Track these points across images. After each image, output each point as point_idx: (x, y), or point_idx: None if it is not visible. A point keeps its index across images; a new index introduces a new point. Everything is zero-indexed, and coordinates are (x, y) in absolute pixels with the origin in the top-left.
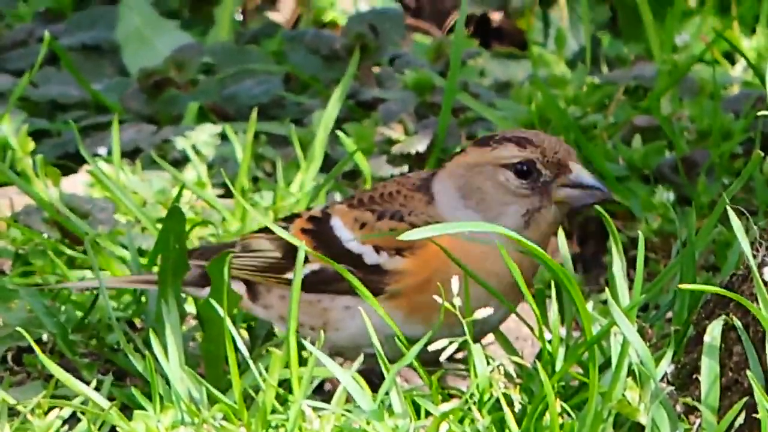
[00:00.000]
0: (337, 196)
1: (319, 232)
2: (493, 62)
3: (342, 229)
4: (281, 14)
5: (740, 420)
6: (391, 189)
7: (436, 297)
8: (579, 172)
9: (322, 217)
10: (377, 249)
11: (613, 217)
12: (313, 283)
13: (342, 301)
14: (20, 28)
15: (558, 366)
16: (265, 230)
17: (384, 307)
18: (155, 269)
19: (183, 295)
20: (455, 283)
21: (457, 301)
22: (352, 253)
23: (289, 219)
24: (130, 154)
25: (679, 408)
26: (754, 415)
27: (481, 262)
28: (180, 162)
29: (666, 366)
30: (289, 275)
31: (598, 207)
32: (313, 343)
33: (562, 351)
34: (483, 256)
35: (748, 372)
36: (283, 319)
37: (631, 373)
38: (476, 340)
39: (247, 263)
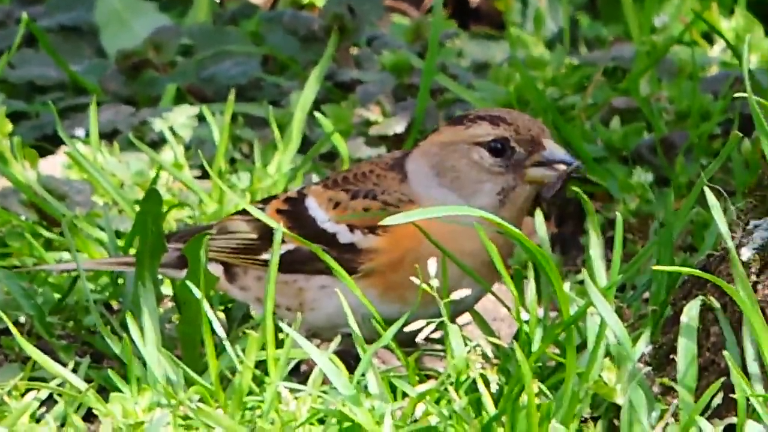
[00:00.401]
0: (315, 178)
1: (295, 212)
2: (471, 43)
3: (317, 209)
4: None
5: (717, 400)
6: (365, 169)
7: (413, 278)
8: (552, 148)
9: (297, 198)
10: (351, 228)
11: (591, 198)
12: (289, 263)
13: (317, 280)
14: None
15: (535, 346)
16: (243, 212)
17: (359, 286)
18: (132, 251)
19: (160, 277)
20: (431, 263)
21: (434, 282)
22: (326, 233)
23: (267, 200)
24: (108, 135)
25: (656, 389)
26: (731, 395)
27: (456, 241)
28: (158, 143)
29: (643, 346)
30: (264, 256)
31: (575, 188)
32: (289, 325)
33: (539, 331)
34: (457, 235)
35: (724, 352)
36: (260, 300)
37: (608, 353)
38: (452, 319)
39: (223, 245)
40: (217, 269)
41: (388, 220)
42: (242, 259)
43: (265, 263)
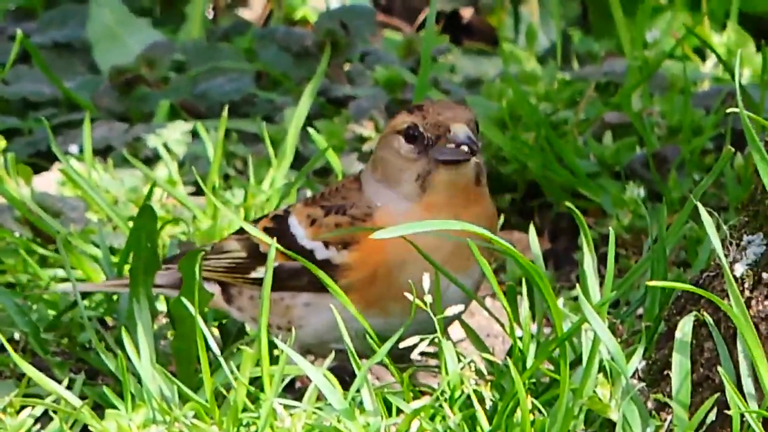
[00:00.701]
0: (309, 193)
1: (279, 230)
2: (463, 59)
3: (297, 226)
4: (252, 12)
5: (712, 416)
6: (338, 184)
7: (407, 294)
8: (456, 131)
9: (282, 216)
10: (326, 244)
11: (585, 214)
12: (275, 281)
13: (302, 298)
14: None
15: (529, 363)
16: (238, 232)
17: (339, 302)
18: (128, 269)
19: (155, 294)
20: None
21: (425, 294)
22: (305, 249)
23: (258, 220)
24: (102, 152)
25: (650, 404)
26: (725, 411)
27: (416, 242)
28: (151, 160)
29: (637, 362)
30: (253, 275)
31: (568, 204)
32: (284, 341)
33: (533, 348)
34: (416, 237)
35: (719, 368)
36: (255, 320)
37: (602, 369)
38: (443, 329)
39: (218, 264)
40: (214, 289)
41: (379, 234)
42: (234, 278)
43: (255, 281)
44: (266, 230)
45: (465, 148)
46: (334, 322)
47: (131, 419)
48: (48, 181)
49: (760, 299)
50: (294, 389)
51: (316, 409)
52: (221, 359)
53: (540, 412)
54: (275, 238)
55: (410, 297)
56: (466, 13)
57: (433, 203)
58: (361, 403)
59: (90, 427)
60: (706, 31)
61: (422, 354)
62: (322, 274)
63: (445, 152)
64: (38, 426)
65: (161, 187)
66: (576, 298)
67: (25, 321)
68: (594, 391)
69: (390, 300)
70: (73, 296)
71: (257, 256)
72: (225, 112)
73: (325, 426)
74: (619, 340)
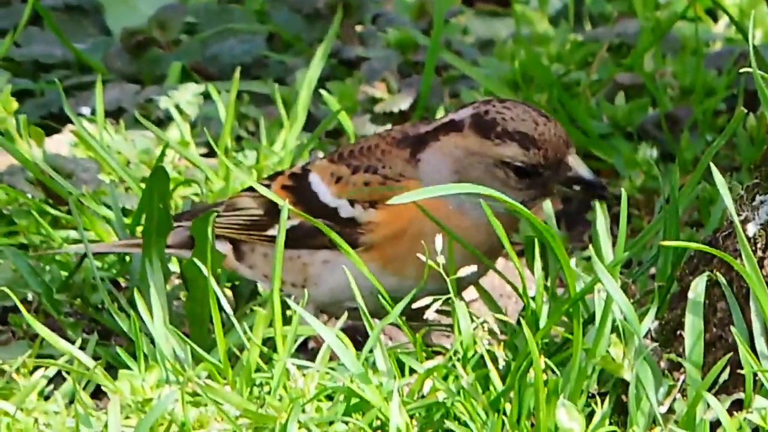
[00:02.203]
0: (321, 155)
1: (298, 188)
2: (476, 20)
3: (319, 184)
4: None
5: (724, 376)
6: (371, 143)
7: (419, 255)
8: (577, 168)
9: (301, 174)
10: (352, 202)
11: (597, 174)
12: (292, 239)
13: (320, 255)
14: None
15: (542, 323)
16: (251, 189)
17: (361, 260)
18: (140, 230)
19: (168, 255)
20: (438, 240)
21: (440, 259)
22: (328, 207)
23: (273, 177)
24: (114, 113)
25: (663, 364)
26: (738, 371)
27: (456, 218)
28: (163, 122)
29: (650, 322)
30: (271, 232)
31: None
32: (296, 301)
33: (546, 308)
34: (458, 215)
35: (732, 328)
36: (268, 278)
37: (615, 329)
38: (457, 294)
39: (231, 222)
40: (225, 247)
41: (394, 200)
42: (249, 236)
43: (272, 239)
44: (285, 188)
45: (598, 183)
46: (348, 281)
47: (144, 380)
48: (60, 143)
49: None
50: (307, 350)
51: (329, 370)
52: (234, 320)
53: (553, 371)
54: (295, 196)
55: (423, 258)
56: None
57: (516, 220)
58: (374, 363)
59: (103, 388)
60: None
61: (437, 313)
62: (334, 235)
63: (571, 193)
64: (51, 386)
65: (173, 148)
66: (589, 259)
67: (38, 282)
68: (607, 351)
69: (408, 260)
70: (85, 257)
71: (275, 214)
72: (237, 74)
73: (339, 386)
74: (631, 300)
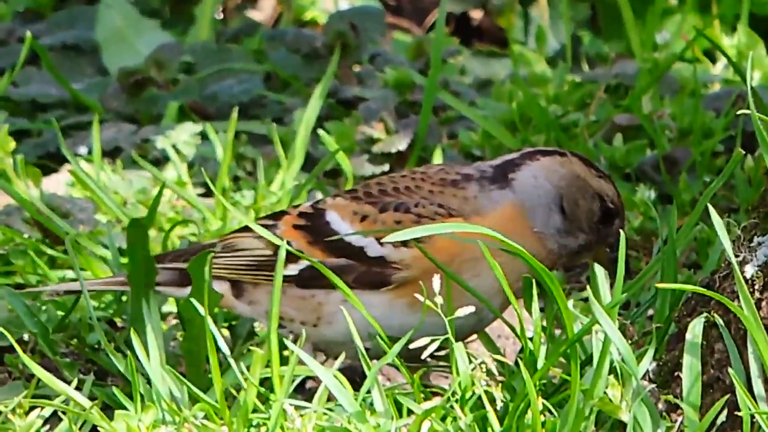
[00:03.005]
0: (319, 195)
1: (314, 227)
2: (473, 60)
3: (340, 222)
4: (261, 13)
5: (722, 418)
6: (408, 183)
7: (417, 295)
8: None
9: (314, 213)
10: (379, 241)
11: None
12: (307, 278)
13: (338, 295)
14: (0, 27)
15: (540, 364)
16: (248, 229)
17: (386, 297)
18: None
19: (159, 292)
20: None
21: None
22: (353, 246)
23: (275, 216)
24: (111, 153)
25: (660, 406)
26: (736, 412)
27: (536, 244)
28: (160, 161)
29: (647, 363)
30: (283, 272)
31: None
32: (296, 341)
33: (543, 349)
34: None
35: (729, 369)
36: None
37: (612, 370)
38: (486, 325)
39: (233, 263)
40: (222, 286)
41: (390, 237)
42: (255, 276)
43: (285, 279)
44: (298, 228)
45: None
46: (367, 321)
47: (140, 420)
48: (57, 183)
49: None
50: (305, 390)
51: (327, 410)
52: (231, 360)
53: (551, 413)
54: (311, 235)
55: (420, 298)
56: (476, 14)
57: (555, 259)
58: (371, 403)
59: (99, 428)
60: (716, 33)
61: (432, 356)
62: (334, 277)
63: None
64: (47, 427)
65: (170, 188)
66: (586, 300)
67: (34, 322)
68: (605, 392)
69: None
70: (79, 295)
71: (286, 254)
72: (234, 114)
73: (336, 427)
74: (629, 341)
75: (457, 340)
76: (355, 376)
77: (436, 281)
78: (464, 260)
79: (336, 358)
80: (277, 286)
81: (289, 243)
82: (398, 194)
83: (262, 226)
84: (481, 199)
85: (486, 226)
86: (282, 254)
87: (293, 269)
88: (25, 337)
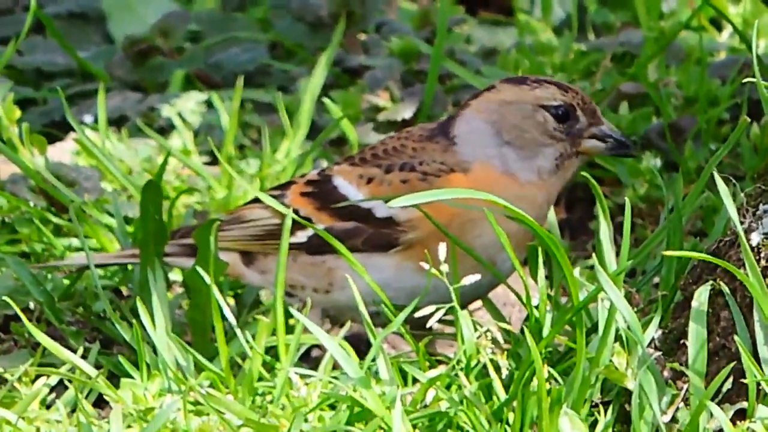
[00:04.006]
0: (324, 163)
1: (321, 193)
2: (479, 29)
3: (347, 186)
4: None
5: (728, 385)
6: (395, 144)
7: (422, 264)
8: (609, 125)
9: (321, 179)
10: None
11: (600, 184)
12: (318, 245)
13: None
14: None
15: (545, 332)
16: (256, 201)
17: (396, 259)
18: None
19: (167, 263)
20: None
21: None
22: (360, 209)
23: (283, 187)
24: (116, 121)
25: (666, 373)
26: (741, 380)
27: (510, 186)
28: (166, 130)
29: (653, 331)
30: (292, 239)
31: (584, 173)
32: (319, 304)
33: (549, 317)
34: (508, 179)
35: (735, 337)
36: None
37: (618, 338)
38: (491, 289)
39: (242, 234)
40: (232, 255)
41: (393, 203)
42: (265, 245)
43: (293, 246)
44: (305, 195)
45: (627, 141)
46: (383, 282)
47: (146, 388)
48: (62, 151)
49: None
50: (310, 358)
51: (332, 379)
52: (237, 329)
53: (556, 381)
54: (318, 202)
55: (425, 266)
56: None
57: (548, 184)
58: (377, 372)
59: (105, 397)
60: (722, 2)
61: (441, 320)
62: (336, 242)
63: (600, 144)
64: (53, 395)
65: (176, 156)
66: (592, 268)
67: (40, 291)
68: (610, 360)
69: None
70: (86, 268)
71: (295, 222)
72: (240, 82)
73: (341, 395)
74: (635, 309)
75: (470, 300)
76: (360, 345)
77: (442, 246)
78: (465, 221)
79: (343, 325)
80: (283, 253)
81: (296, 211)
82: (391, 155)
83: (271, 197)
84: (452, 153)
85: (470, 185)
86: (288, 222)
87: (302, 236)
88: (31, 305)
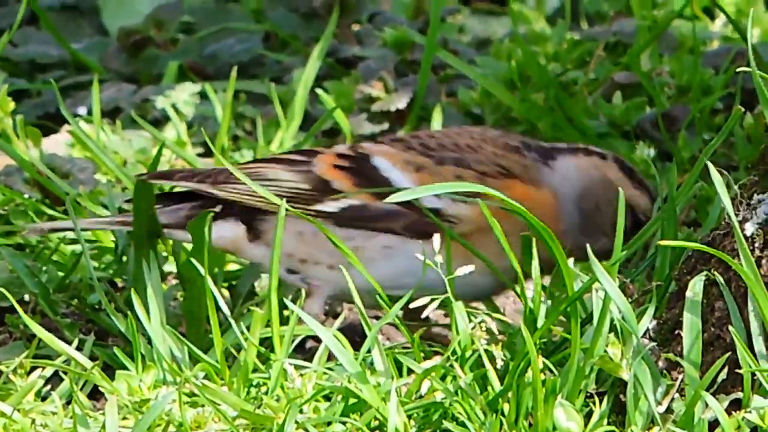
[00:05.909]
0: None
1: (359, 170)
2: (472, 19)
3: (391, 169)
4: None
5: (723, 375)
6: (459, 141)
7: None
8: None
9: (358, 156)
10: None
11: None
12: (350, 219)
13: (381, 240)
14: None
15: (540, 322)
16: (273, 161)
17: (431, 249)
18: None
19: (164, 255)
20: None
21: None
22: None
23: (305, 153)
24: (110, 113)
25: (661, 364)
26: (736, 370)
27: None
28: (160, 121)
29: (648, 322)
30: (318, 207)
31: None
32: (334, 281)
33: (544, 307)
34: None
35: (730, 327)
36: (292, 256)
37: (613, 329)
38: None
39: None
40: (237, 229)
41: (393, 197)
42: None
43: (318, 214)
44: (340, 168)
45: None
46: (408, 269)
47: (141, 380)
48: (57, 143)
49: None
50: (305, 349)
51: (327, 370)
52: (231, 320)
53: (551, 371)
54: (356, 178)
55: (420, 257)
56: None
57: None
58: (372, 363)
59: (100, 388)
60: None
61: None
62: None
63: None
64: (48, 387)
65: (170, 148)
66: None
67: (35, 282)
68: (605, 351)
69: (489, 257)
70: (79, 251)
71: (326, 190)
72: (234, 73)
73: (336, 386)
74: (629, 299)
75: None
76: (355, 336)
77: (436, 237)
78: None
79: (337, 316)
80: (278, 240)
81: (329, 182)
82: (459, 150)
83: (293, 161)
84: (535, 171)
85: (539, 197)
86: (281, 213)
87: (332, 206)
88: (26, 297)
